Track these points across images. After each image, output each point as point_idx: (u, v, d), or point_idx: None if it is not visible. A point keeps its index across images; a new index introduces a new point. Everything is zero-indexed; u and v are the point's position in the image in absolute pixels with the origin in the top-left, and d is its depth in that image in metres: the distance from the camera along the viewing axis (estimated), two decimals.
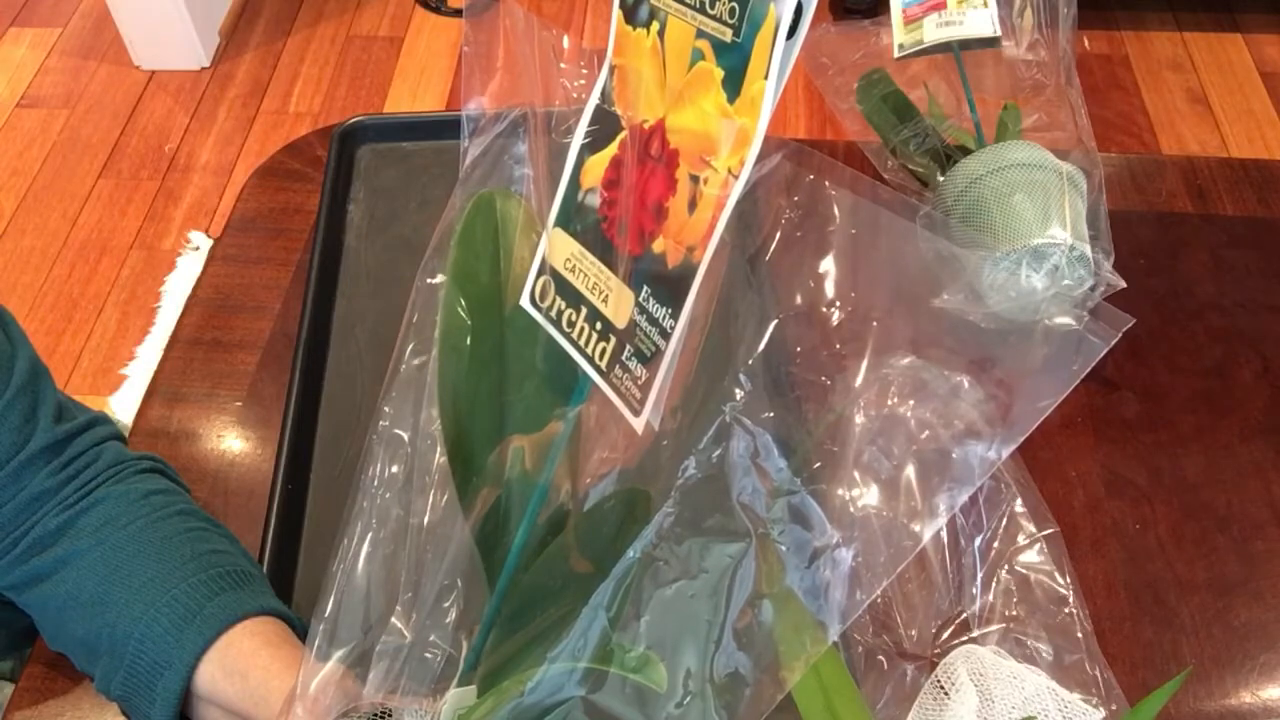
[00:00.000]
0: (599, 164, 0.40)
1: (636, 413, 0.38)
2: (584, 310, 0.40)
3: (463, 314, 0.46)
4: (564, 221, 0.41)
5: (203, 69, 2.32)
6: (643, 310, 0.38)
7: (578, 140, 0.40)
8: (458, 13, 2.46)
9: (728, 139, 0.34)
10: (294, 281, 0.88)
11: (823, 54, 0.91)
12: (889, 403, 0.41)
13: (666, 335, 0.37)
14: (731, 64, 0.33)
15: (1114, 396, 0.80)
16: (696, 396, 0.40)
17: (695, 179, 0.36)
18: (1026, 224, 0.76)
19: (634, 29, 0.37)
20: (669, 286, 0.37)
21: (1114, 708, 0.60)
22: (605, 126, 0.40)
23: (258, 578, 0.62)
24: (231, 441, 0.78)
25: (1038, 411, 0.37)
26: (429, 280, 0.48)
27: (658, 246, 0.37)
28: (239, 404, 0.80)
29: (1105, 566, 0.71)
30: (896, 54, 0.84)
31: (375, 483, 0.46)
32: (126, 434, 0.78)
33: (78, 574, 0.59)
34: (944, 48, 0.83)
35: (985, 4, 0.81)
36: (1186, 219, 0.93)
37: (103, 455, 0.63)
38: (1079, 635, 0.63)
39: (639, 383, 0.38)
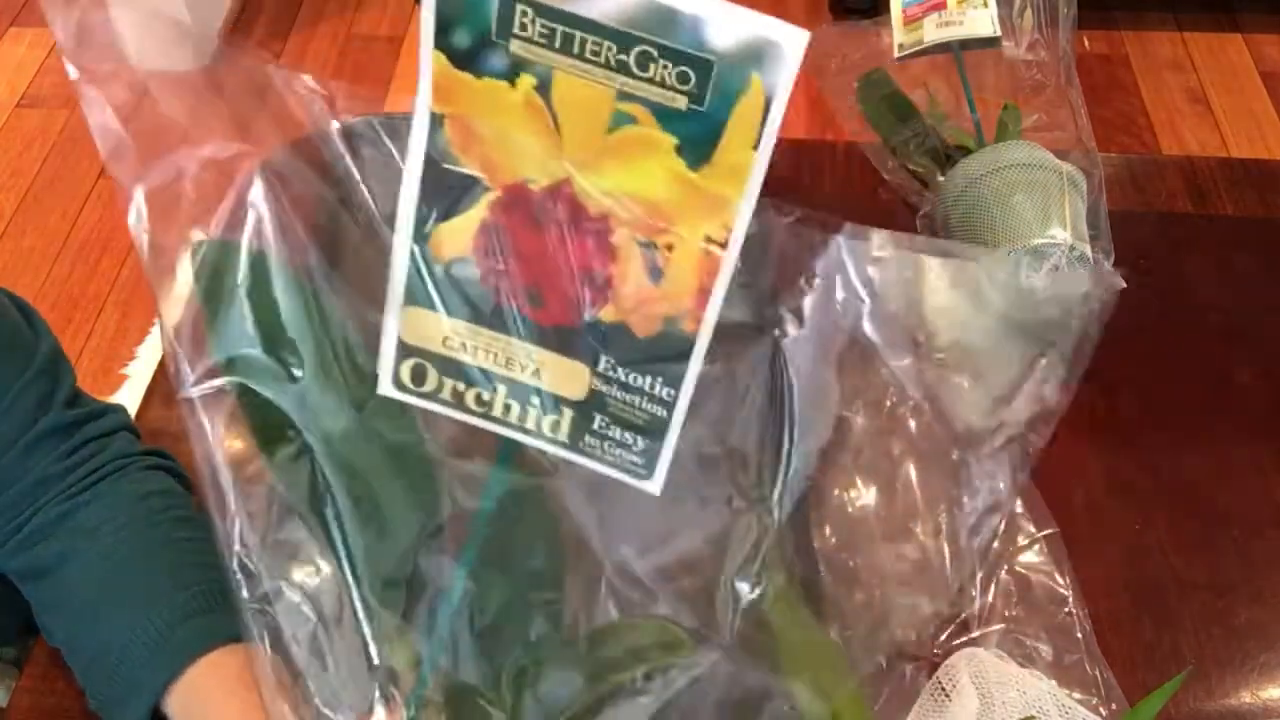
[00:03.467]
0: (460, 231, 0.36)
1: (644, 479, 0.38)
2: (502, 387, 0.38)
3: (275, 420, 0.45)
4: (420, 299, 0.38)
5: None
6: (608, 380, 0.37)
7: (408, 206, 0.36)
8: None
9: (695, 206, 0.33)
10: None
11: (822, 54, 0.91)
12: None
13: (665, 404, 0.36)
14: (690, 131, 0.32)
15: (1114, 397, 0.80)
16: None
17: (650, 246, 0.34)
18: (1026, 224, 0.76)
19: (477, 78, 0.35)
20: (648, 357, 0.36)
21: (1114, 707, 0.60)
22: (448, 186, 0.36)
23: None
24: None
25: None
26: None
27: (608, 315, 0.36)
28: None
29: (1105, 566, 0.71)
30: (896, 54, 0.84)
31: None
32: None
33: (70, 578, 0.60)
34: (944, 48, 0.83)
35: (985, 4, 0.81)
36: (1186, 219, 0.93)
37: (111, 445, 0.64)
38: (1079, 635, 0.63)
39: (635, 449, 0.38)
